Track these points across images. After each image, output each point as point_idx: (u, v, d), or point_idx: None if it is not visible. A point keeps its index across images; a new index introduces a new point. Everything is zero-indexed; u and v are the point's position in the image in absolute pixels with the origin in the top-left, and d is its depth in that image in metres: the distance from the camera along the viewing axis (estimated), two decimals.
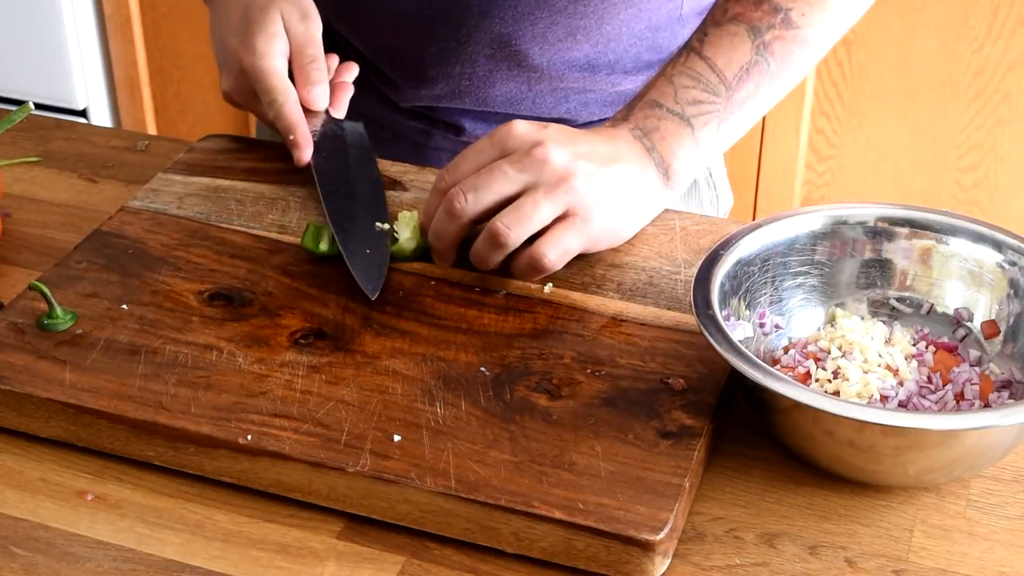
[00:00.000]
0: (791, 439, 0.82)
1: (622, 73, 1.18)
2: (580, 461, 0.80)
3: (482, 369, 0.87)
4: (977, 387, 0.85)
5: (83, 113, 2.53)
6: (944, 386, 0.86)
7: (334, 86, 1.10)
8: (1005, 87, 2.06)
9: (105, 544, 0.79)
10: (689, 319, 0.91)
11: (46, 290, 0.91)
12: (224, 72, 1.11)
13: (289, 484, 0.81)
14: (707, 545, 0.79)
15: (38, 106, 1.83)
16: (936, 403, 0.85)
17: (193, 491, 0.82)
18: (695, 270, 0.88)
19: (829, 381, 0.85)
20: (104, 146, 1.19)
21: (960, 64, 2.06)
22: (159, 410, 0.83)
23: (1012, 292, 0.89)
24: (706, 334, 0.82)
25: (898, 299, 0.93)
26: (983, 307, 0.90)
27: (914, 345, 0.89)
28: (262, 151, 1.12)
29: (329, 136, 1.07)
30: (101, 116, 2.56)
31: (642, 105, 1.00)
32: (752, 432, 0.86)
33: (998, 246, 0.90)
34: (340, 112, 1.10)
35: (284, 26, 1.08)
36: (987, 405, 0.85)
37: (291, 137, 1.04)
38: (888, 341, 0.89)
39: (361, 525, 0.80)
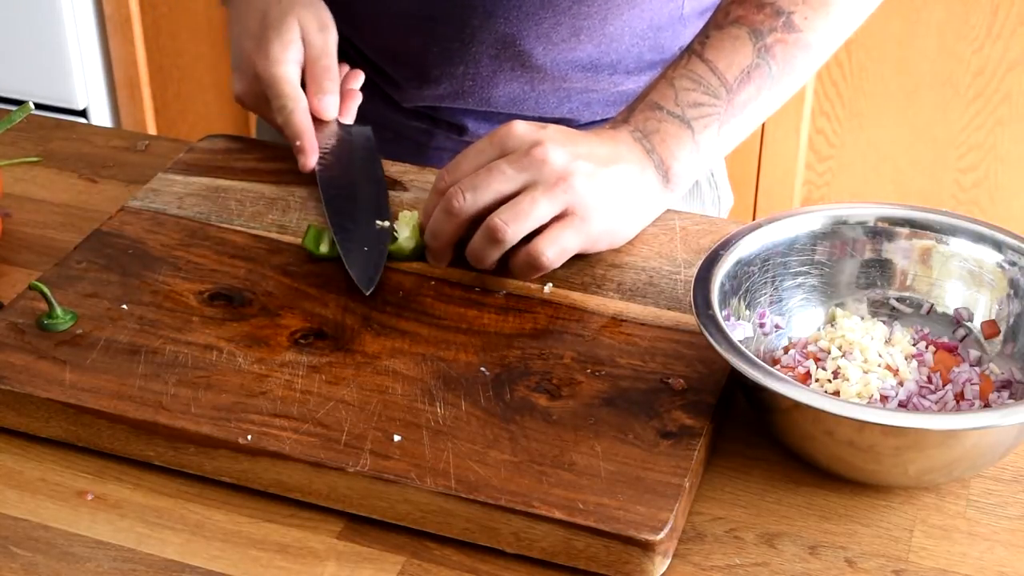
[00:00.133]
0: (791, 439, 0.82)
1: (624, 73, 1.18)
2: (580, 461, 0.80)
3: (482, 369, 0.87)
4: (977, 387, 0.85)
5: (83, 113, 2.52)
6: (944, 386, 0.86)
7: (343, 93, 1.11)
8: (1005, 87, 2.06)
9: (105, 544, 0.79)
10: (689, 319, 0.91)
11: (46, 290, 0.91)
12: (237, 75, 1.11)
13: (289, 484, 0.81)
14: (707, 545, 0.79)
15: (38, 106, 1.83)
16: (936, 403, 0.85)
17: (193, 491, 0.82)
18: (695, 270, 0.88)
19: (829, 381, 0.85)
20: (104, 146, 1.19)
21: (960, 64, 2.06)
22: (159, 410, 0.83)
23: (1012, 292, 0.89)
24: (706, 334, 0.82)
25: (898, 299, 0.93)
26: (983, 307, 0.90)
27: (914, 345, 0.89)
28: (262, 151, 1.12)
29: (336, 143, 1.07)
30: (101, 116, 2.56)
31: (643, 107, 1.00)
32: (752, 432, 0.86)
33: (998, 246, 0.90)
34: (348, 119, 1.10)
35: (302, 34, 1.09)
36: (987, 405, 0.85)
37: (297, 143, 1.05)
38: (888, 341, 0.89)
39: (361, 525, 0.80)
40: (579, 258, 0.97)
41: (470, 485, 0.78)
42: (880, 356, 0.87)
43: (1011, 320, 0.89)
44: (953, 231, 0.91)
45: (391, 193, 1.06)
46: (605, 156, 0.96)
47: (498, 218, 0.92)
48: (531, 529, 0.77)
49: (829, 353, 0.87)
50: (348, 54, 1.18)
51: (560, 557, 0.77)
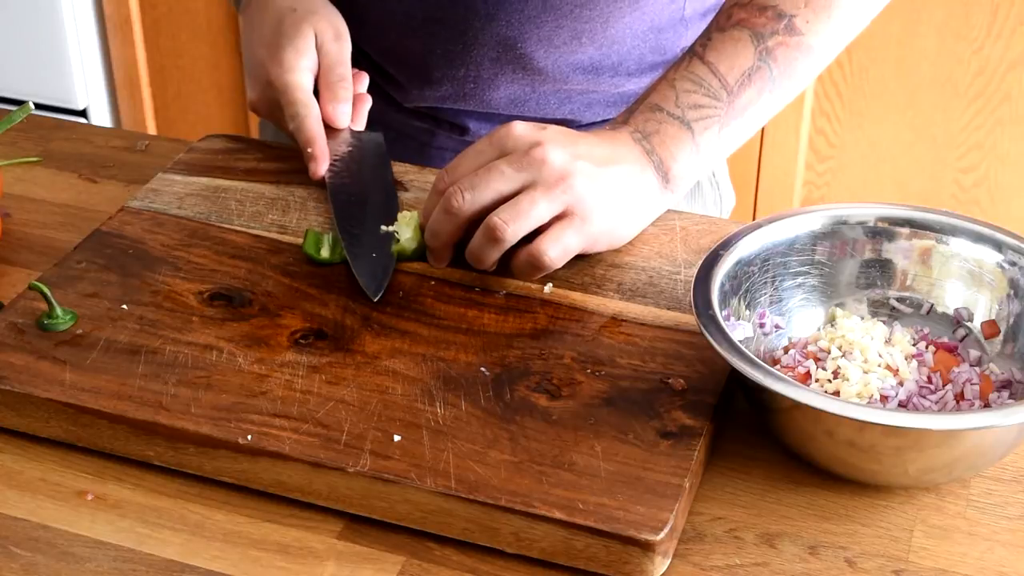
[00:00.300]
0: (791, 439, 0.82)
1: (625, 75, 1.19)
2: (580, 461, 0.80)
3: (482, 369, 0.87)
4: (977, 387, 0.85)
5: (83, 113, 2.53)
6: (944, 386, 0.86)
7: (353, 99, 1.11)
8: (1005, 87, 2.06)
9: (105, 544, 0.79)
10: (689, 319, 0.91)
11: (46, 290, 0.91)
12: (251, 82, 1.12)
13: (289, 484, 0.81)
14: (707, 545, 0.79)
15: (38, 106, 1.83)
16: (936, 403, 0.85)
17: (193, 491, 0.82)
18: (695, 270, 0.88)
19: (829, 381, 0.85)
20: (104, 146, 1.19)
21: (960, 64, 2.06)
22: (159, 410, 0.83)
23: (1012, 292, 0.89)
24: (706, 334, 0.82)
25: (898, 299, 0.93)
26: (983, 307, 0.90)
27: (914, 345, 0.89)
28: (262, 151, 1.12)
29: (347, 150, 1.08)
30: (101, 116, 2.56)
31: (643, 108, 1.00)
32: (752, 432, 0.86)
33: (998, 246, 0.90)
34: (360, 125, 1.11)
35: (317, 43, 1.09)
36: (987, 405, 0.85)
37: (309, 150, 1.05)
38: (888, 341, 0.89)
39: (361, 525, 0.80)
40: (579, 258, 0.97)
41: (470, 485, 0.78)
42: (880, 356, 0.87)
43: (1011, 320, 0.89)
44: (953, 231, 0.91)
45: None
46: (605, 156, 0.96)
47: (497, 218, 0.92)
48: (531, 529, 0.77)
49: (829, 353, 0.87)
50: (352, 55, 1.18)
51: (560, 557, 0.77)
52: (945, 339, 0.90)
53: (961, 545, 0.79)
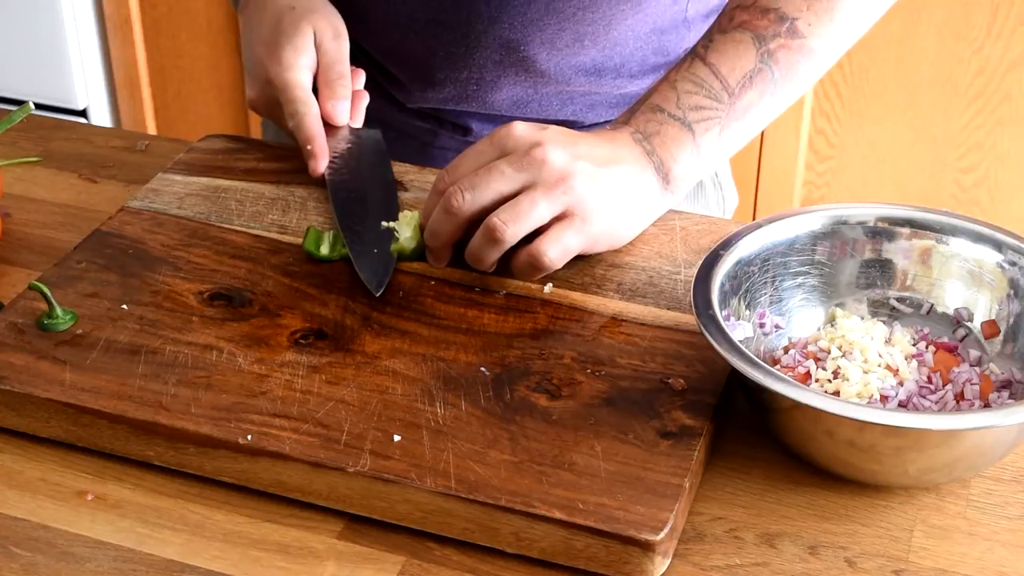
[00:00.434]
0: (791, 439, 0.82)
1: (628, 76, 1.19)
2: (580, 461, 0.80)
3: (482, 369, 0.87)
4: (977, 387, 0.85)
5: (83, 113, 2.53)
6: (944, 386, 0.86)
7: (352, 95, 1.11)
8: (1005, 87, 2.06)
9: (105, 544, 0.79)
10: (689, 319, 0.91)
11: (46, 290, 0.91)
12: (250, 80, 1.12)
13: (289, 484, 0.81)
14: (707, 545, 0.79)
15: (38, 106, 1.83)
16: (936, 403, 0.85)
17: (193, 491, 0.82)
18: (695, 270, 0.88)
19: (829, 381, 0.85)
20: (104, 146, 1.19)
21: (960, 64, 2.06)
22: (159, 410, 0.83)
23: (1012, 292, 0.89)
24: (706, 334, 0.82)
25: (898, 299, 0.93)
26: (983, 307, 0.90)
27: (914, 345, 0.89)
28: (262, 151, 1.12)
29: (346, 147, 1.08)
30: (101, 116, 2.56)
31: (644, 109, 1.00)
32: (752, 432, 0.86)
33: (998, 246, 0.90)
34: (358, 122, 1.11)
35: (316, 41, 1.10)
36: (987, 405, 0.85)
37: (308, 147, 1.05)
38: (888, 341, 0.89)
39: (361, 525, 0.80)
40: (579, 258, 0.97)
41: (470, 485, 0.78)
42: (880, 356, 0.87)
43: (1011, 320, 0.89)
44: (953, 231, 0.91)
45: None
46: (605, 157, 0.96)
47: (497, 218, 0.92)
48: (531, 529, 0.77)
49: (829, 353, 0.87)
50: (354, 54, 1.18)
51: (560, 557, 0.77)
52: (945, 339, 0.90)
53: (961, 545, 0.79)
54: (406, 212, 1.00)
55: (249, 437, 0.81)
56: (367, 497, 0.79)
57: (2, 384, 0.86)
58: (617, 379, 0.86)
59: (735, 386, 0.87)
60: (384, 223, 0.99)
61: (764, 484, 0.83)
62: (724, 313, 0.85)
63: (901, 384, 0.85)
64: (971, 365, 0.88)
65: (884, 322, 0.92)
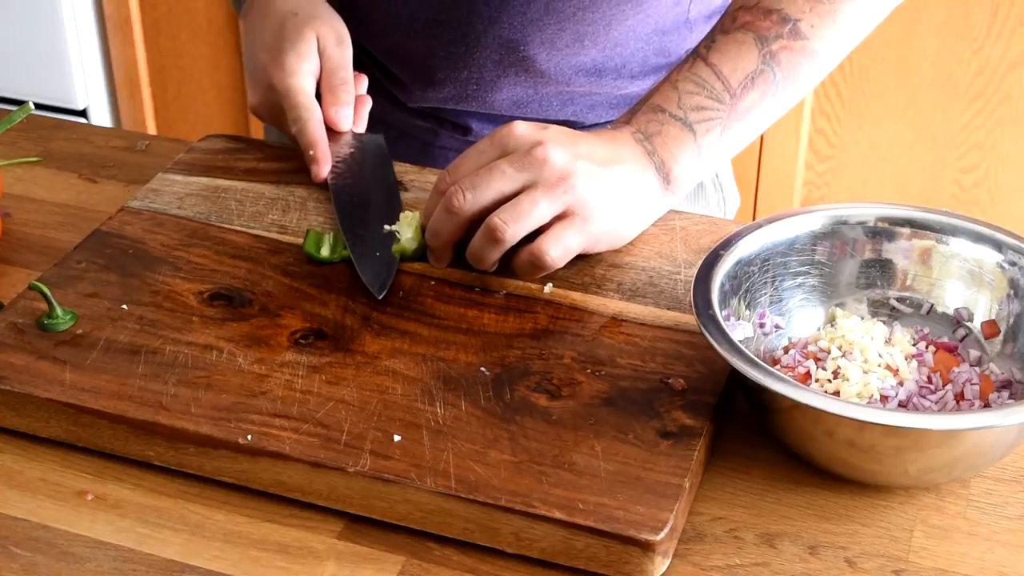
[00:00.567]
0: (791, 439, 0.82)
1: (629, 77, 1.19)
2: (580, 461, 0.80)
3: (482, 369, 0.87)
4: (977, 387, 0.85)
5: (83, 113, 2.53)
6: (944, 386, 0.86)
7: (355, 100, 1.11)
8: (1005, 87, 2.06)
9: (105, 544, 0.79)
10: (689, 319, 0.91)
11: (46, 290, 0.91)
12: (253, 86, 1.12)
13: (289, 484, 0.81)
14: (707, 545, 0.79)
15: (38, 106, 1.83)
16: (936, 403, 0.85)
17: (193, 491, 0.82)
18: (695, 270, 0.88)
19: (829, 381, 0.85)
20: (104, 146, 1.19)
21: (960, 64, 2.06)
22: (159, 410, 0.83)
23: (1012, 292, 0.89)
24: (706, 334, 0.82)
25: (898, 299, 0.93)
26: (983, 307, 0.90)
27: (914, 345, 0.89)
28: (262, 151, 1.12)
29: (349, 152, 1.08)
30: (101, 116, 2.56)
31: (645, 109, 1.00)
32: (752, 432, 0.86)
33: (998, 246, 0.90)
34: (361, 126, 1.11)
35: (319, 47, 1.10)
36: (987, 405, 0.85)
37: (311, 153, 1.05)
38: (888, 341, 0.89)
39: (361, 525, 0.80)
40: (579, 258, 0.97)
41: (470, 485, 0.78)
42: (880, 356, 0.87)
43: (1011, 320, 0.89)
44: (953, 231, 0.91)
45: None
46: (606, 157, 0.96)
47: (498, 218, 0.92)
48: (531, 529, 0.77)
49: (829, 353, 0.87)
50: (355, 55, 1.19)
51: (560, 557, 0.77)
52: (945, 339, 0.90)
53: (961, 545, 0.79)
54: (407, 213, 1.00)
55: (249, 437, 0.81)
56: (367, 497, 0.79)
57: (2, 384, 0.86)
58: (617, 379, 0.86)
59: (735, 386, 0.87)
60: (386, 226, 0.99)
61: (764, 484, 0.83)
62: (724, 313, 0.85)
63: (901, 384, 0.85)
64: (971, 365, 0.88)
65: (884, 322, 0.92)
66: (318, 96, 1.09)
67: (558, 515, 0.76)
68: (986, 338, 0.90)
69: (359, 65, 1.15)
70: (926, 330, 0.91)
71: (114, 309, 0.92)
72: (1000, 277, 0.90)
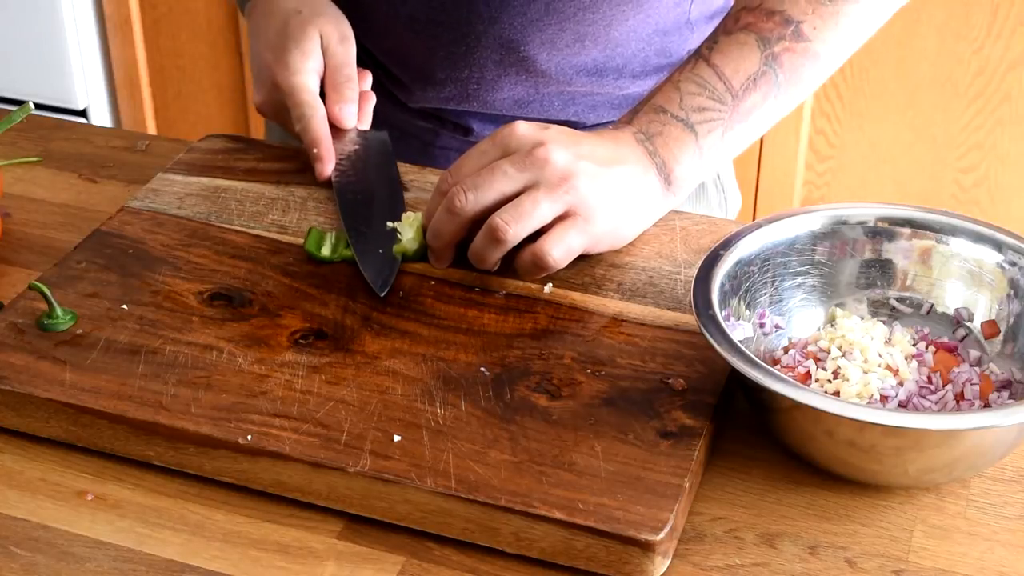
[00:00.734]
0: (791, 439, 0.82)
1: (630, 77, 1.18)
2: (580, 461, 0.80)
3: (482, 369, 0.87)
4: (977, 387, 0.85)
5: (83, 113, 2.53)
6: (944, 386, 0.86)
7: (359, 97, 1.11)
8: (1005, 87, 2.06)
9: (105, 544, 0.79)
10: (689, 319, 0.91)
11: (46, 290, 0.91)
12: (257, 84, 1.12)
13: (289, 484, 0.81)
14: (707, 545, 0.79)
15: (38, 106, 1.83)
16: (936, 403, 0.85)
17: (193, 491, 0.82)
18: (695, 270, 0.88)
19: (829, 381, 0.85)
20: (104, 146, 1.19)
21: (960, 64, 2.06)
22: (159, 410, 0.83)
23: (1012, 292, 0.89)
24: (706, 334, 0.82)
25: (898, 299, 0.93)
26: (983, 307, 0.90)
27: (914, 345, 0.89)
28: (262, 151, 1.12)
29: (353, 149, 1.08)
30: (101, 116, 2.56)
31: (647, 110, 1.00)
32: (752, 432, 0.86)
33: (998, 246, 0.90)
34: (365, 124, 1.11)
35: (323, 45, 1.10)
36: (987, 405, 0.85)
37: (315, 151, 1.05)
38: (888, 341, 0.89)
39: (361, 525, 0.80)
40: (580, 258, 0.97)
41: (470, 485, 0.78)
42: (880, 356, 0.87)
43: (1011, 320, 0.89)
44: (953, 231, 0.91)
45: None
46: (607, 157, 0.96)
47: (499, 218, 0.92)
48: (531, 529, 0.77)
49: (829, 353, 0.87)
50: (358, 55, 1.19)
51: (560, 557, 0.77)
52: (945, 339, 0.90)
53: (961, 545, 0.79)
54: (408, 213, 1.00)
55: (249, 437, 0.81)
56: (367, 497, 0.79)
57: (2, 384, 0.86)
58: (617, 379, 0.86)
59: (735, 386, 0.87)
60: (389, 224, 0.99)
61: (764, 484, 0.83)
62: (724, 313, 0.85)
63: (901, 384, 0.85)
64: (971, 365, 0.88)
65: (884, 322, 0.92)
66: (322, 94, 1.09)
67: (558, 515, 0.76)
68: (986, 338, 0.90)
69: (360, 64, 1.15)
70: (926, 330, 0.91)
71: (114, 309, 0.92)
72: (1000, 277, 0.90)
